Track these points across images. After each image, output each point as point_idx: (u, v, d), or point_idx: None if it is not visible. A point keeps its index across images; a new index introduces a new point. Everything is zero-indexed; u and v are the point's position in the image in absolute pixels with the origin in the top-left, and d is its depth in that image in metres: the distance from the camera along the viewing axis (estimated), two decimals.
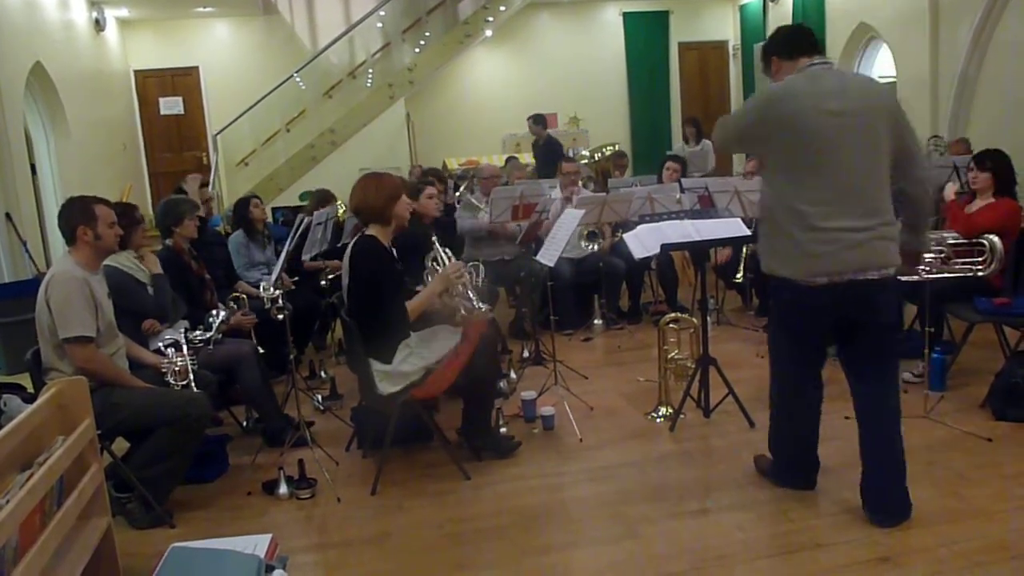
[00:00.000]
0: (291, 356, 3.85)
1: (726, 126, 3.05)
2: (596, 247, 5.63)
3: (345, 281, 3.54)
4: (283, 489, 3.42)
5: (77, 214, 3.18)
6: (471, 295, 3.54)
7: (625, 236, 4.15)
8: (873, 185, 2.73)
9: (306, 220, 4.66)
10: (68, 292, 3.06)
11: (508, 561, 2.82)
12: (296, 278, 5.03)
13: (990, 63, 7.53)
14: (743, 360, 4.83)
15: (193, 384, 3.38)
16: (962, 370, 4.31)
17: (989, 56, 7.53)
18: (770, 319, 3.25)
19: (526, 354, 5.12)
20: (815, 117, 2.69)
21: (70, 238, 3.20)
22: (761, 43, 3.05)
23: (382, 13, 10.80)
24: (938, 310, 4.16)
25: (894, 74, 8.91)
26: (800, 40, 2.90)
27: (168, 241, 4.27)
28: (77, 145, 8.30)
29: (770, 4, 11.03)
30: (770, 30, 7.72)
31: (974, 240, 3.91)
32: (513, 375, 4.71)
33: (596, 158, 10.41)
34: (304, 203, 7.30)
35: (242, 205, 5.53)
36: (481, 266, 4.23)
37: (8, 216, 6.48)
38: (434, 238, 3.88)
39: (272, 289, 3.69)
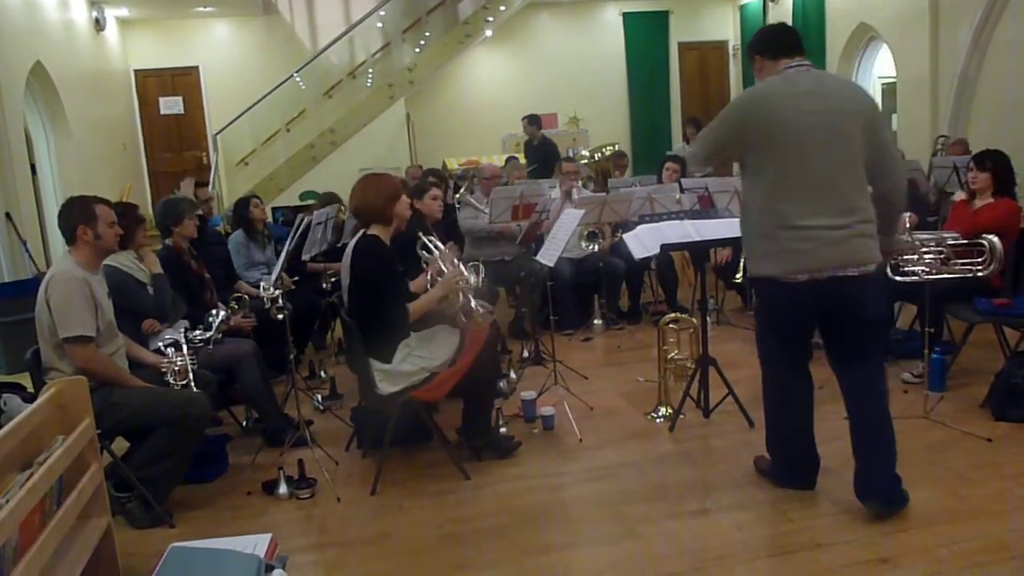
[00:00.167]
0: (291, 356, 3.85)
1: (704, 137, 3.07)
2: (596, 247, 5.63)
3: (345, 281, 3.54)
4: (283, 489, 3.42)
5: (77, 214, 3.18)
6: (473, 304, 3.54)
7: (625, 236, 4.16)
8: (849, 184, 2.77)
9: (306, 220, 4.66)
10: (68, 292, 3.06)
11: (508, 561, 2.82)
12: (296, 278, 5.03)
13: (990, 63, 7.53)
14: (743, 360, 4.81)
15: (193, 384, 3.38)
16: (962, 370, 4.31)
17: (989, 56, 7.52)
18: (756, 318, 3.27)
19: (526, 354, 5.12)
20: (791, 117, 2.74)
21: (70, 238, 3.20)
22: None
23: (382, 13, 10.79)
24: (938, 310, 4.16)
25: (894, 74, 8.91)
26: (782, 41, 2.93)
27: (168, 241, 4.28)
28: (77, 145, 8.29)
29: (770, 4, 11.03)
30: None
31: (973, 240, 3.91)
32: (513, 375, 4.71)
33: (596, 158, 10.41)
34: (304, 203, 7.31)
35: (242, 205, 5.54)
36: (481, 266, 4.23)
37: (8, 216, 6.47)
38: (420, 233, 3.87)
39: (272, 289, 3.69)
